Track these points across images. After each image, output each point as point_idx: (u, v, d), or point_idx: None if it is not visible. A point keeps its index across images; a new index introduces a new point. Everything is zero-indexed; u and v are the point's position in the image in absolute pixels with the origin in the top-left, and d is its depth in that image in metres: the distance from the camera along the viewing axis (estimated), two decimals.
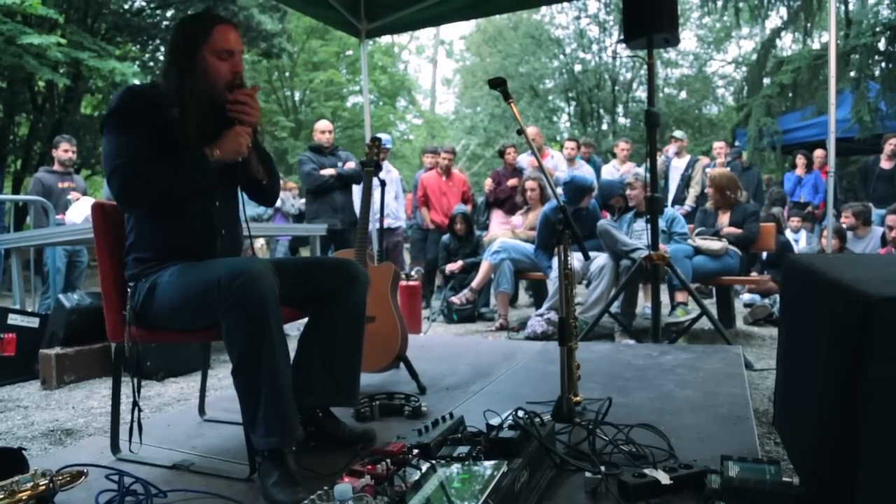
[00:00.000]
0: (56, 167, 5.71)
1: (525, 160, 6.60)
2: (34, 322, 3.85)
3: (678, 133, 7.65)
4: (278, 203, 8.16)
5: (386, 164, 6.32)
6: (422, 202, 6.74)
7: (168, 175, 1.74)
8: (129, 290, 1.84)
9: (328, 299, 1.95)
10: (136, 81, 10.02)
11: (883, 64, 9.37)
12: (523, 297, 7.05)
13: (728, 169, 6.12)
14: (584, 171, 6.66)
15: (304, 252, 8.43)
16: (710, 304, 4.94)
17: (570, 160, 6.80)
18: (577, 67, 18.00)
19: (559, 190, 5.52)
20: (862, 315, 1.13)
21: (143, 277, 1.81)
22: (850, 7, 10.99)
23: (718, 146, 7.55)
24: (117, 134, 1.75)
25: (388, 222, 5.92)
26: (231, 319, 1.60)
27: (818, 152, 7.62)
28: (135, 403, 1.83)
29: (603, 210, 5.51)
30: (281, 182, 9.35)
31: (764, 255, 5.93)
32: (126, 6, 12.16)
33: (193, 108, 1.78)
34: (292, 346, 1.83)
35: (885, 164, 6.71)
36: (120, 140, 1.74)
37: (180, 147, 1.76)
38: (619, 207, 5.44)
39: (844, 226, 5.77)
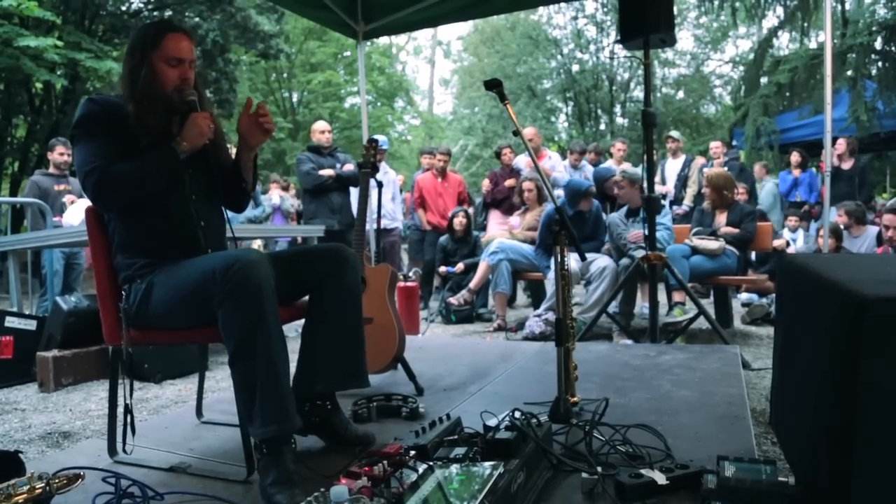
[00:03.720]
0: (52, 170, 5.70)
1: (522, 161, 6.61)
2: (31, 325, 3.84)
3: (674, 133, 7.66)
4: (277, 201, 8.15)
5: (383, 166, 6.32)
6: (418, 204, 6.75)
7: (137, 170, 1.77)
8: (123, 292, 1.85)
9: (322, 286, 1.95)
10: None
11: (879, 63, 9.38)
12: (521, 297, 7.06)
13: (725, 169, 6.13)
14: (587, 172, 6.67)
15: None
16: (708, 304, 4.95)
17: (575, 166, 6.81)
18: (575, 68, 18.00)
19: (559, 192, 5.53)
20: (856, 315, 1.13)
21: (137, 279, 1.82)
22: (847, 6, 10.99)
23: (715, 146, 7.56)
24: (85, 142, 1.80)
25: (384, 223, 5.93)
26: (227, 308, 1.60)
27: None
28: (126, 407, 1.83)
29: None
30: (280, 182, 9.23)
31: (753, 254, 5.93)
32: (123, 8, 12.15)
33: (144, 106, 1.81)
34: (294, 347, 1.83)
35: (844, 166, 6.87)
36: (88, 147, 1.79)
37: (145, 146, 1.81)
38: (615, 195, 5.45)
39: (841, 225, 5.78)
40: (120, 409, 1.93)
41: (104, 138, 1.79)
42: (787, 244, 6.36)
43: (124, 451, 1.88)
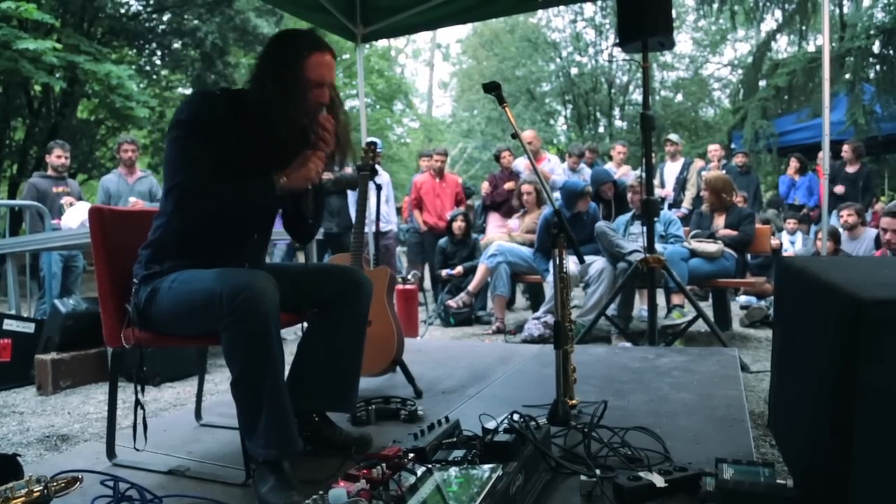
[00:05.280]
0: (50, 172, 5.70)
1: (521, 164, 6.62)
2: (30, 327, 3.84)
3: (673, 136, 7.67)
4: None
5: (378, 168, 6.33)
6: (415, 204, 6.75)
7: (229, 195, 1.70)
8: (133, 287, 1.81)
9: (331, 306, 1.95)
10: (133, 85, 10.03)
11: (877, 66, 9.40)
12: (520, 300, 7.06)
13: (723, 171, 6.14)
14: (585, 174, 6.67)
15: (301, 254, 8.42)
16: (706, 307, 4.95)
17: (574, 168, 6.81)
18: (574, 70, 18.01)
19: (556, 195, 5.55)
20: (854, 318, 1.13)
21: (147, 281, 1.79)
22: (845, 10, 11.02)
23: (713, 149, 7.57)
24: (183, 144, 1.69)
25: (380, 226, 5.94)
26: (232, 335, 1.59)
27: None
28: (137, 403, 1.81)
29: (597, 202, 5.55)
30: None
31: (748, 256, 5.93)
32: (122, 10, 12.15)
33: (268, 116, 1.72)
34: (290, 350, 1.83)
35: (849, 168, 6.92)
36: (185, 152, 1.69)
37: (250, 162, 1.72)
38: (609, 199, 5.48)
39: (846, 224, 5.77)
40: (120, 413, 1.92)
41: (204, 145, 1.69)
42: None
43: (136, 447, 1.85)
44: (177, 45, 12.59)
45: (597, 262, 4.58)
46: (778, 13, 11.32)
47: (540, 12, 17.28)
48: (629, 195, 5.23)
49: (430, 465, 1.42)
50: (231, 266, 1.79)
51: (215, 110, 1.73)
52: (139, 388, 1.81)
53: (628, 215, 4.94)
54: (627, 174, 6.73)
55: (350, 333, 1.96)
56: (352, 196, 5.82)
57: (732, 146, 10.29)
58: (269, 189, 1.72)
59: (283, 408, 1.61)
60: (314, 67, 1.76)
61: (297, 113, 1.75)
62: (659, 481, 1.49)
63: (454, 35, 31.23)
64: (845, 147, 7.02)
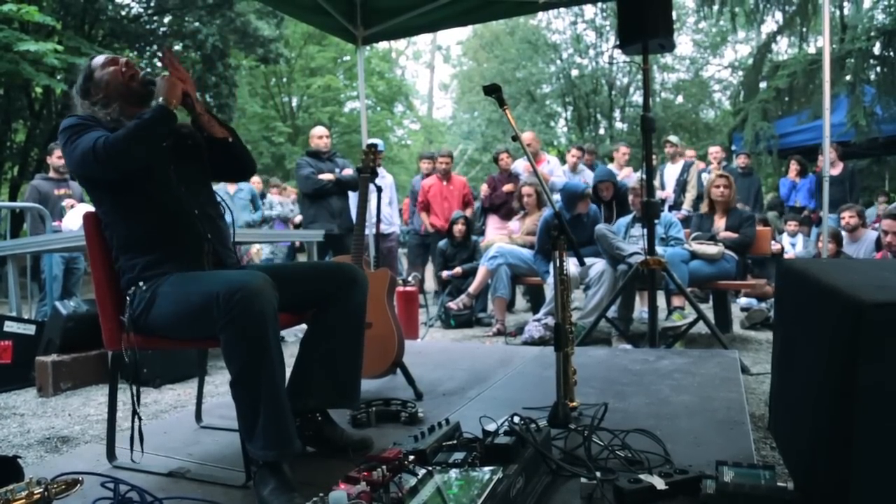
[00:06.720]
0: (52, 174, 5.71)
1: (521, 165, 6.61)
2: (31, 329, 3.84)
3: (673, 138, 7.67)
4: (278, 209, 8.15)
5: (379, 170, 6.33)
6: (422, 207, 6.74)
7: (136, 125, 1.77)
8: (127, 297, 1.83)
9: (328, 303, 1.96)
10: None
11: (878, 68, 9.39)
12: (520, 301, 7.06)
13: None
14: (585, 176, 6.66)
15: (302, 257, 8.44)
16: (707, 309, 4.94)
17: (573, 169, 6.79)
18: (574, 72, 18.05)
19: (555, 196, 5.55)
20: (854, 320, 1.13)
21: (139, 282, 1.81)
22: (846, 11, 11.03)
23: (714, 151, 7.58)
24: (79, 135, 1.80)
25: (382, 228, 5.94)
26: (230, 334, 1.60)
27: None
28: (134, 412, 1.83)
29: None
30: (279, 186, 9.18)
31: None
32: (123, 13, 12.18)
33: (122, 101, 1.92)
34: (290, 352, 1.83)
35: (833, 172, 6.94)
36: (83, 136, 1.79)
37: None
38: (608, 200, 5.47)
39: (847, 226, 5.77)
40: (120, 415, 1.93)
41: (96, 129, 1.82)
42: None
43: (132, 459, 1.87)
44: (177, 47, 12.60)
45: (597, 264, 4.58)
46: (778, 15, 11.31)
47: (540, 14, 17.31)
48: (630, 197, 5.23)
49: (430, 468, 1.42)
50: (184, 218, 1.88)
51: (86, 117, 1.89)
52: (136, 397, 1.83)
53: (629, 217, 4.93)
54: (629, 176, 6.73)
55: (348, 330, 1.97)
56: (353, 197, 5.82)
57: (733, 148, 10.28)
58: (159, 109, 1.80)
59: (281, 408, 1.62)
60: (100, 61, 1.98)
61: (124, 96, 1.94)
62: (659, 484, 1.49)
63: (454, 37, 31.34)
64: (830, 149, 7.03)
